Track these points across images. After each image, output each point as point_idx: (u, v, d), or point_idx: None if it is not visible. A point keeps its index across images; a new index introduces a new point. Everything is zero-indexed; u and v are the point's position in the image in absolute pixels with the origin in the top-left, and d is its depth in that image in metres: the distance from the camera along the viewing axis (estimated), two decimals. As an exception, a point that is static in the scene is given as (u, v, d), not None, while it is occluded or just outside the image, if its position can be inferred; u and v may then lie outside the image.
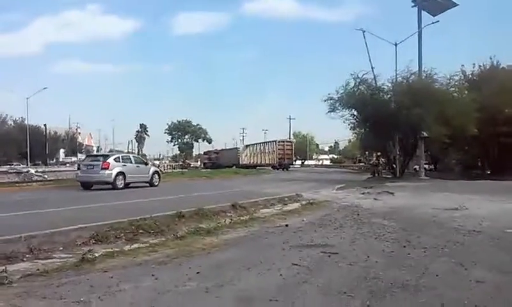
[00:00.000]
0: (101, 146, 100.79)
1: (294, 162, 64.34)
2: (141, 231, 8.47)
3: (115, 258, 6.65)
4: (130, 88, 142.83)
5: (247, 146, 71.40)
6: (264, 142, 66.12)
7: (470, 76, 35.77)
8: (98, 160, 22.50)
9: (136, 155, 29.62)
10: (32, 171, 29.67)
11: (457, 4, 33.43)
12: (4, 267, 5.65)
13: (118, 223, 8.74)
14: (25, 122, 61.58)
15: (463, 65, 35.86)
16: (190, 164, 68.46)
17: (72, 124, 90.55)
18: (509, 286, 5.18)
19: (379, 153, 35.07)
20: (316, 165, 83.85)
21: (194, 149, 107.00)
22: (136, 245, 7.58)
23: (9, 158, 57.71)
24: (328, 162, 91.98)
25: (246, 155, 66.11)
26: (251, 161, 63.41)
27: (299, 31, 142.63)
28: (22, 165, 39.53)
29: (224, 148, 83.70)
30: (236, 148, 74.98)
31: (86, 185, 22.16)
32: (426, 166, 36.05)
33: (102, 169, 21.71)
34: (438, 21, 33.06)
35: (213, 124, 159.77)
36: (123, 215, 9.89)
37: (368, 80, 31.28)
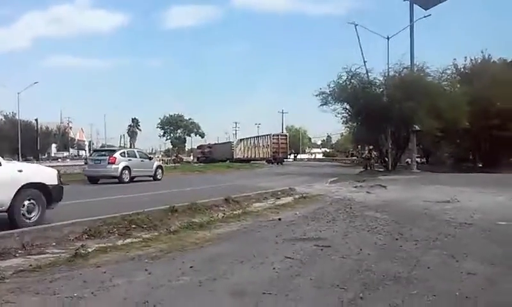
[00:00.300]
0: (93, 141, 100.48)
1: (288, 156, 64.04)
2: (133, 225, 8.43)
3: (108, 253, 6.63)
4: (121, 82, 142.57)
5: (241, 140, 71.00)
6: (258, 136, 65.65)
7: (462, 70, 35.96)
8: (105, 155, 23.17)
9: (141, 150, 30.11)
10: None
11: (449, -2, 33.53)
12: (-4, 263, 5.63)
13: (111, 218, 8.71)
14: (17, 117, 61.20)
15: (454, 59, 36.12)
16: (182, 159, 68.23)
17: (64, 119, 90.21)
18: (500, 277, 5.23)
19: (371, 147, 35.17)
20: (309, 159, 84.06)
21: (186, 144, 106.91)
22: (128, 240, 7.56)
23: (1, 153, 57.36)
24: (320, 156, 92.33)
25: (240, 149, 65.88)
26: (245, 155, 63.14)
27: (291, 25, 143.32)
28: (13, 161, 39.29)
29: (217, 142, 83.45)
30: (230, 142, 74.73)
31: (93, 179, 22.77)
32: (418, 159, 36.26)
33: (109, 163, 22.42)
34: (430, 15, 33.21)
35: (205, 118, 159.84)
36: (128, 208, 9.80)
37: (361, 74, 31.37)
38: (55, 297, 4.54)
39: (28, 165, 10.39)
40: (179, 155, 73.08)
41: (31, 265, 5.80)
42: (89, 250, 6.59)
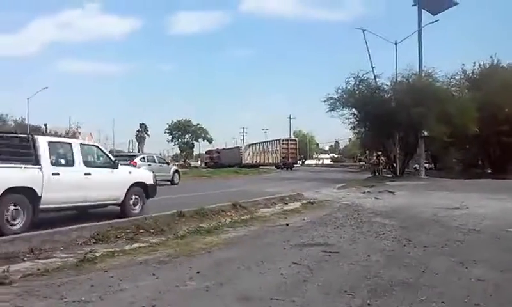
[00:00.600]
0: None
1: (298, 161, 63.23)
2: (141, 230, 8.47)
3: (116, 257, 6.66)
4: (130, 87, 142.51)
5: (250, 145, 70.36)
6: (267, 141, 64.62)
7: (471, 75, 35.73)
8: (126, 160, 23.43)
9: (159, 156, 31.91)
10: None
11: (457, 3, 33.46)
12: (5, 267, 5.66)
13: (119, 222, 8.75)
14: (26, 122, 61.62)
15: (463, 64, 35.83)
16: (190, 164, 68.17)
17: (72, 124, 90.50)
18: (509, 284, 5.19)
19: (379, 152, 35.05)
20: (316, 165, 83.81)
21: (194, 149, 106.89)
22: (136, 245, 7.59)
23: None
24: (328, 162, 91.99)
25: (249, 154, 65.36)
26: (254, 160, 62.50)
27: (300, 31, 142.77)
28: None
29: (224, 147, 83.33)
30: (238, 147, 74.25)
31: None
32: (426, 165, 36.04)
33: None
34: (438, 20, 33.10)
35: (213, 123, 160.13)
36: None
37: (369, 79, 31.32)
38: (62, 301, 4.55)
39: (134, 169, 13.13)
40: (187, 161, 73.08)
41: (39, 269, 5.83)
42: (97, 254, 6.62)
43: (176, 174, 27.05)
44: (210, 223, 9.70)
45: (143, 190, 11.25)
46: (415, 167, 34.31)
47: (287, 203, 14.00)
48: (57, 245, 7.29)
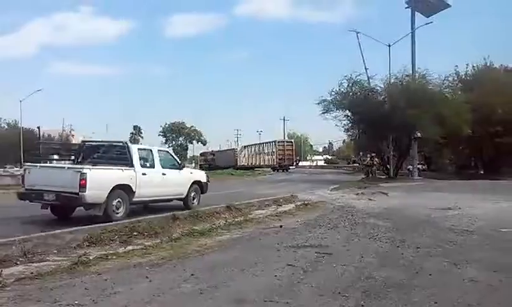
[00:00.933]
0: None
1: (294, 163, 62.74)
2: (135, 233, 8.44)
3: (109, 260, 6.63)
4: (124, 90, 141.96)
5: (245, 146, 70.02)
6: (263, 143, 64.15)
7: (464, 76, 35.93)
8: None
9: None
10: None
11: (450, 5, 33.59)
12: (-2, 271, 5.63)
13: (112, 225, 8.72)
14: (19, 124, 61.25)
15: (456, 66, 36.11)
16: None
17: (66, 126, 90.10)
18: (502, 285, 5.22)
19: (373, 154, 35.14)
20: (310, 166, 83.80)
21: (188, 151, 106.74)
22: (130, 248, 7.56)
23: (3, 161, 57.35)
24: (322, 163, 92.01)
25: (244, 156, 65.11)
26: (250, 162, 62.22)
27: (292, 33, 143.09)
28: (16, 168, 39.32)
29: (219, 149, 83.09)
30: (233, 149, 73.95)
31: None
32: (420, 166, 36.16)
33: None
34: (432, 22, 33.25)
35: (207, 126, 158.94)
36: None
37: (362, 81, 31.40)
38: (56, 305, 4.53)
39: (194, 170, 15.72)
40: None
41: (32, 273, 5.80)
42: (91, 257, 6.59)
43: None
44: (204, 225, 9.70)
45: (198, 187, 13.58)
46: (409, 169, 34.43)
47: (281, 205, 14.01)
48: (51, 248, 7.25)
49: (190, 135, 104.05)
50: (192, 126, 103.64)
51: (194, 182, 13.41)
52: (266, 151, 60.23)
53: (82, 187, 9.62)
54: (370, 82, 31.58)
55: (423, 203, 14.34)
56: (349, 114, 32.36)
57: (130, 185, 10.80)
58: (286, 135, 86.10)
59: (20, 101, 57.00)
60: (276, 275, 5.59)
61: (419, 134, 29.94)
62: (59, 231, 8.02)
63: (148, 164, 11.81)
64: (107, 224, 8.85)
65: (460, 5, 72.92)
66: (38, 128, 63.90)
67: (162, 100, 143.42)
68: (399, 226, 9.70)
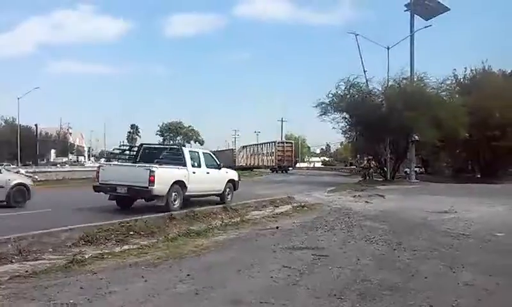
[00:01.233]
0: (92, 147, 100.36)
1: (293, 164, 60.70)
2: (131, 232, 8.43)
3: (105, 259, 6.62)
4: (122, 89, 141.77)
5: (244, 147, 69.51)
6: (262, 144, 63.80)
7: (462, 80, 35.97)
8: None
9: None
10: (23, 171, 29.40)
11: (449, 9, 33.63)
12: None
13: (108, 224, 8.70)
14: (17, 122, 61.09)
15: (454, 69, 36.08)
16: None
17: (63, 124, 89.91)
18: (497, 288, 5.22)
19: (370, 156, 35.16)
20: (308, 168, 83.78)
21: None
22: (126, 247, 7.55)
23: (0, 158, 57.19)
24: (319, 165, 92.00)
25: (243, 157, 64.64)
26: (248, 163, 61.61)
27: (291, 34, 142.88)
28: (12, 166, 39.20)
29: (217, 149, 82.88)
30: (231, 149, 73.56)
31: None
32: (417, 169, 36.19)
33: None
34: (431, 25, 33.24)
35: (205, 126, 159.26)
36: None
37: (360, 83, 31.38)
38: (51, 304, 4.51)
39: (229, 170, 16.41)
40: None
41: (27, 271, 5.78)
42: (86, 256, 6.58)
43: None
44: (201, 226, 9.69)
45: (232, 185, 15.11)
46: (406, 171, 34.45)
47: (277, 206, 14.01)
48: (46, 246, 7.23)
49: (187, 135, 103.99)
50: (190, 126, 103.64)
51: (229, 180, 14.96)
52: (265, 151, 59.72)
53: (151, 182, 11.42)
54: (368, 85, 31.60)
55: (419, 206, 14.35)
56: (347, 116, 32.32)
57: (184, 181, 12.52)
58: (283, 136, 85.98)
59: (18, 98, 56.88)
60: (272, 277, 5.58)
61: (416, 137, 29.91)
62: (54, 229, 7.98)
63: (196, 164, 13.54)
64: (104, 223, 8.80)
65: (459, 9, 73.23)
66: (36, 126, 63.87)
67: (161, 100, 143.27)
68: (396, 228, 9.70)
